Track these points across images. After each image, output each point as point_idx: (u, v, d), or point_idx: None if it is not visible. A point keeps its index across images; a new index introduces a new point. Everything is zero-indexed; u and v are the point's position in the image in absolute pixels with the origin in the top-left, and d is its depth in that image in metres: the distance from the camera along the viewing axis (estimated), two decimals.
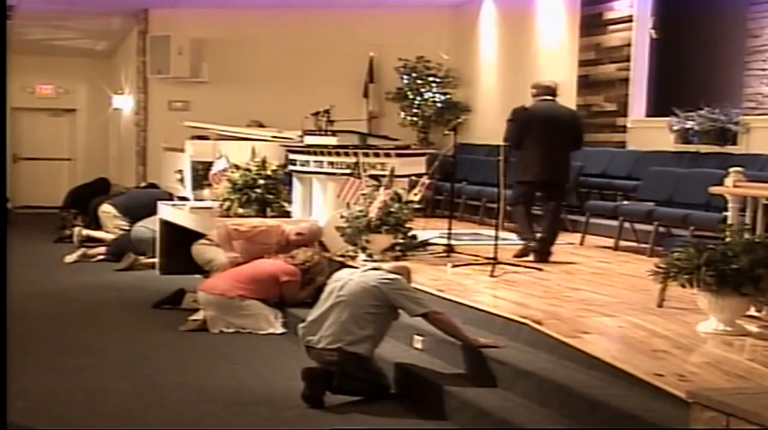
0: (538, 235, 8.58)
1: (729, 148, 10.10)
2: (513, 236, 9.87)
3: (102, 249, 11.74)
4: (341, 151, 9.24)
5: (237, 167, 10.09)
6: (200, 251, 8.94)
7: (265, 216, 9.59)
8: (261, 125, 13.32)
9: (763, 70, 10.18)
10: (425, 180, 8.85)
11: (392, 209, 8.25)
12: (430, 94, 15.19)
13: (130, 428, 5.23)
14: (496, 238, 8.05)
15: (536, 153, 8.39)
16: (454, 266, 7.95)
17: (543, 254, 8.44)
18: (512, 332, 5.86)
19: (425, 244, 8.83)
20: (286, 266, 8.02)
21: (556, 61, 13.09)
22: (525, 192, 8.65)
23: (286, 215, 9.85)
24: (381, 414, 5.48)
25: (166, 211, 10.74)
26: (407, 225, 8.43)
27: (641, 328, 5.65)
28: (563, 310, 6.23)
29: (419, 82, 15.24)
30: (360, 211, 8.29)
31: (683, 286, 5.51)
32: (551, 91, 8.65)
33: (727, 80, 10.84)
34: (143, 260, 11.01)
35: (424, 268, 7.88)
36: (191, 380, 6.13)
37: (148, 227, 11.20)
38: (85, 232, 12.69)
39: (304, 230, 8.65)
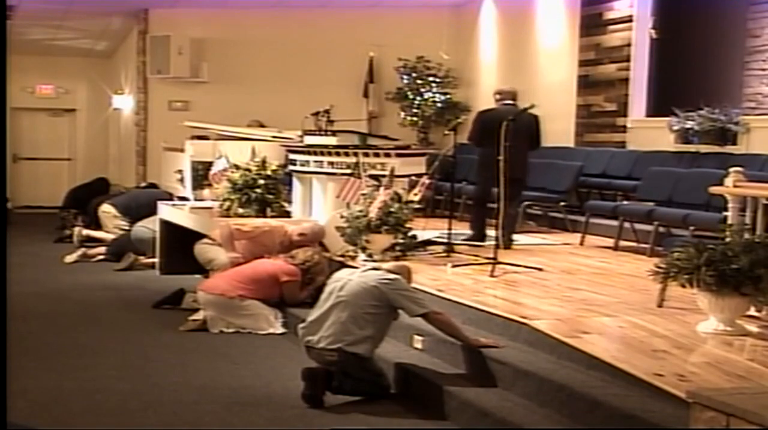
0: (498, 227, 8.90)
1: (729, 148, 10.10)
2: (513, 235, 9.91)
3: (102, 249, 11.74)
4: (341, 151, 9.23)
5: (237, 167, 10.08)
6: (202, 250, 8.94)
7: (265, 216, 9.58)
8: (261, 125, 13.31)
9: (763, 70, 10.19)
10: (425, 180, 8.84)
11: (392, 209, 8.24)
12: (430, 94, 15.19)
13: (130, 428, 5.23)
14: (497, 238, 8.05)
15: (497, 151, 8.65)
16: (454, 266, 7.95)
17: (507, 245, 9.03)
18: (512, 332, 5.85)
19: (426, 244, 8.83)
20: (286, 266, 8.02)
21: (556, 61, 13.10)
22: (486, 187, 9.38)
23: (286, 214, 9.85)
24: (381, 414, 5.47)
25: (166, 211, 10.73)
26: (407, 225, 8.43)
27: (641, 328, 5.65)
28: (563, 310, 6.23)
29: (419, 82, 15.24)
30: (360, 211, 8.29)
31: (683, 286, 5.50)
32: (512, 95, 9.70)
33: (727, 80, 10.84)
34: (143, 260, 11.01)
35: (424, 268, 7.88)
36: (191, 380, 6.13)
37: (148, 227, 11.20)
38: (85, 232, 12.69)
39: (307, 231, 8.64)
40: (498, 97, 9.78)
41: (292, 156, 9.95)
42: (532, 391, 5.09)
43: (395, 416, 5.47)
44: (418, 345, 6.21)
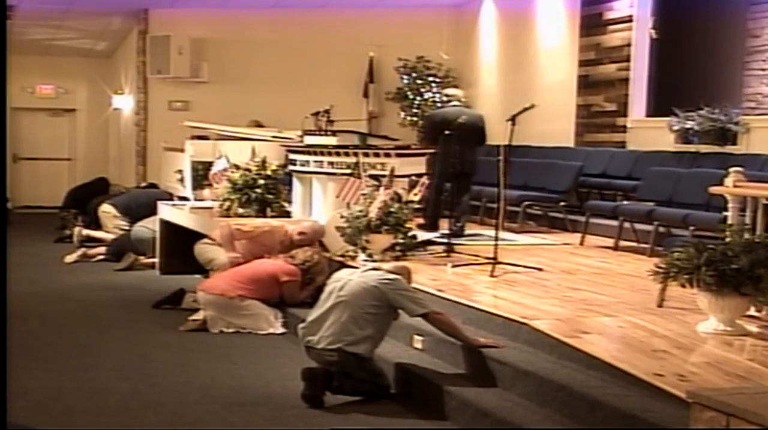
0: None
1: (729, 148, 10.10)
2: (513, 235, 9.92)
3: (102, 249, 11.74)
4: (341, 151, 9.23)
5: (237, 167, 10.08)
6: (202, 250, 8.94)
7: (265, 216, 9.58)
8: (261, 125, 13.32)
9: (763, 70, 10.19)
10: (425, 180, 8.85)
11: (392, 209, 8.24)
12: (430, 94, 15.19)
13: (130, 428, 5.23)
14: (496, 238, 8.05)
15: (448, 148, 9.54)
16: (454, 266, 7.95)
17: (460, 234, 9.67)
18: (512, 332, 5.85)
19: (426, 243, 8.83)
20: (286, 266, 8.02)
21: (556, 61, 13.10)
22: (440, 182, 10.07)
23: (286, 214, 9.84)
24: (381, 414, 5.47)
25: (166, 211, 10.73)
26: (407, 225, 8.43)
27: (641, 328, 5.65)
28: (563, 310, 6.23)
29: (419, 82, 15.25)
30: (360, 211, 8.28)
31: (683, 286, 5.50)
32: (458, 98, 10.61)
33: (727, 80, 10.84)
34: (143, 260, 11.01)
35: (424, 268, 7.88)
36: (191, 380, 6.13)
37: (148, 227, 11.20)
38: (85, 232, 12.68)
39: (307, 230, 8.64)
40: (446, 99, 10.90)
41: (292, 156, 9.95)
42: (532, 391, 5.09)
43: (395, 416, 5.47)
44: (418, 345, 6.21)
